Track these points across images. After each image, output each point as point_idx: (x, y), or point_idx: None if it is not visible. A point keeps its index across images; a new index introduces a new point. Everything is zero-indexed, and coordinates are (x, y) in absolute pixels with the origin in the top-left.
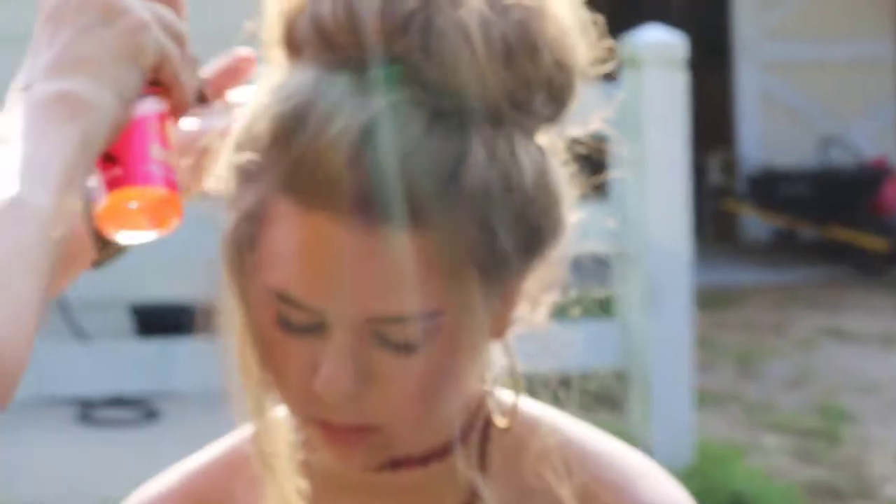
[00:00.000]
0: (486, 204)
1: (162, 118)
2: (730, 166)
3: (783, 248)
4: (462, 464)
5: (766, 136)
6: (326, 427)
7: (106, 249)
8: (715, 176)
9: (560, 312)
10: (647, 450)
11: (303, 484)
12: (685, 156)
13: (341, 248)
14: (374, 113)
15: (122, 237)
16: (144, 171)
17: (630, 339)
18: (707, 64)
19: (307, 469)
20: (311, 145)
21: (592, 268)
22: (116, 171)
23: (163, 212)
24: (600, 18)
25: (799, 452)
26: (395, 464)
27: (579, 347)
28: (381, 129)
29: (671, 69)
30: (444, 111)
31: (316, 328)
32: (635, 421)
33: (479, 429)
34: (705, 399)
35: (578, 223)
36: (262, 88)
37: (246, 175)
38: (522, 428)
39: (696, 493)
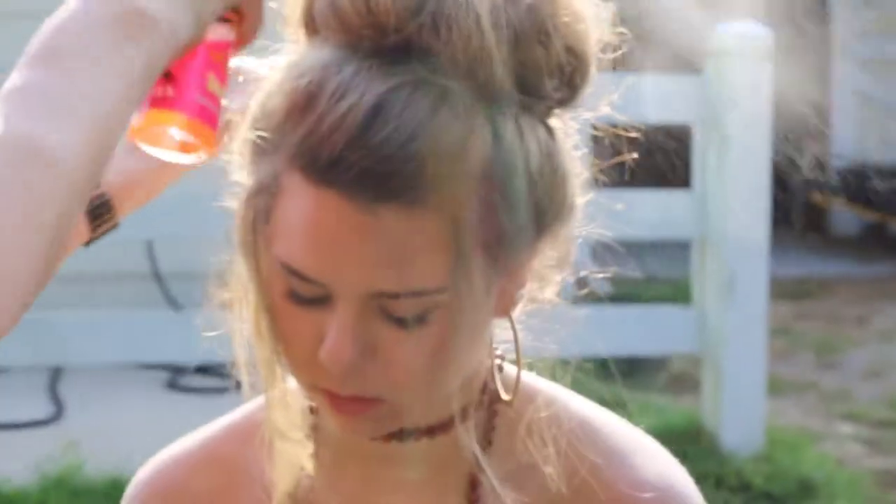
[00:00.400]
0: (490, 184)
1: (227, 47)
2: (822, 160)
3: (873, 242)
4: (464, 438)
5: (859, 132)
6: (332, 396)
7: (98, 229)
8: (807, 169)
9: (637, 297)
10: (718, 434)
11: (311, 451)
12: (767, 147)
13: (345, 223)
14: (383, 92)
15: (149, 152)
16: (196, 101)
17: (706, 326)
18: (803, 59)
19: (318, 435)
20: (321, 122)
21: (673, 254)
22: (168, 90)
23: (195, 145)
24: (691, 11)
25: (871, 442)
26: (403, 434)
27: (656, 332)
28: (388, 109)
29: (756, 61)
30: (452, 93)
31: (322, 300)
32: (707, 406)
33: (486, 403)
34: (782, 387)
35: (660, 210)
36: (279, 65)
37: (260, 149)
38: (526, 403)
39: (765, 477)
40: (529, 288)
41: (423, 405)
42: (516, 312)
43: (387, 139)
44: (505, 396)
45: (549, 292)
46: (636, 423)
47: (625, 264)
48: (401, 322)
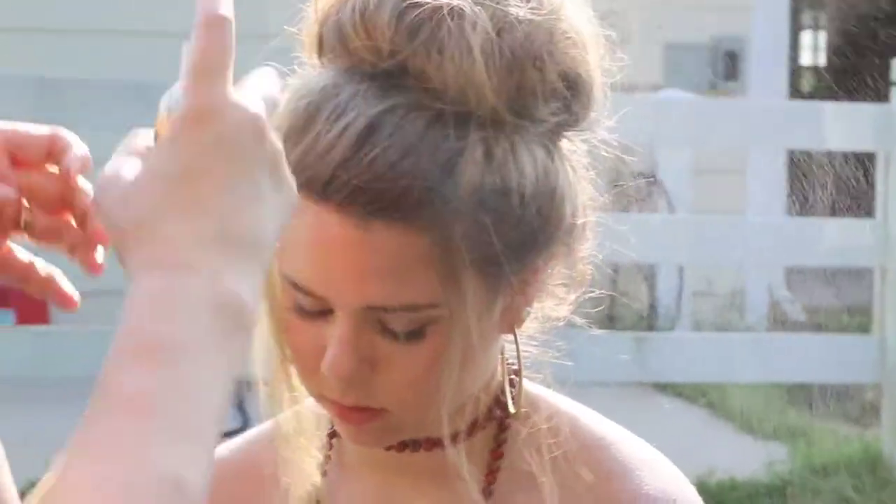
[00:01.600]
0: (481, 203)
1: None
2: None
3: None
4: (452, 453)
5: None
6: (337, 406)
7: None
8: None
9: (820, 326)
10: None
11: (321, 460)
12: None
13: (340, 238)
14: (376, 113)
15: None
16: None
17: (886, 354)
18: None
19: (338, 442)
20: (317, 141)
21: (855, 283)
22: None
23: None
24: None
25: None
26: (416, 444)
27: (837, 360)
28: (381, 129)
29: None
30: (444, 115)
31: (324, 314)
32: (888, 435)
33: (497, 416)
34: None
35: (842, 238)
36: (290, 86)
37: None
38: (536, 416)
39: None
40: (541, 306)
41: (427, 417)
42: (530, 329)
43: (378, 158)
44: (511, 409)
45: (563, 310)
46: (816, 451)
47: (812, 291)
48: (397, 335)
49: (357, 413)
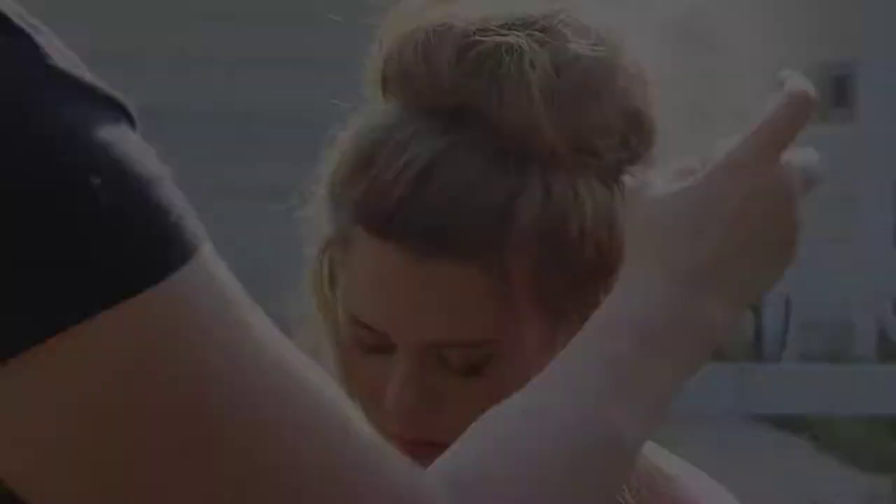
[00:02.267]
0: (540, 240)
1: None
2: None
3: None
4: None
5: None
6: (400, 441)
7: None
8: None
9: None
10: None
11: None
12: None
13: (400, 274)
14: (437, 152)
15: None
16: None
17: None
18: None
19: None
20: (378, 178)
21: None
22: None
23: None
24: None
25: None
26: None
27: None
28: (441, 167)
29: None
30: (505, 152)
31: (386, 350)
32: None
33: None
34: None
35: None
36: (354, 123)
37: (333, 203)
38: None
39: None
40: None
41: None
42: None
43: (438, 195)
44: None
45: None
46: None
47: None
48: (458, 371)
49: (420, 448)
